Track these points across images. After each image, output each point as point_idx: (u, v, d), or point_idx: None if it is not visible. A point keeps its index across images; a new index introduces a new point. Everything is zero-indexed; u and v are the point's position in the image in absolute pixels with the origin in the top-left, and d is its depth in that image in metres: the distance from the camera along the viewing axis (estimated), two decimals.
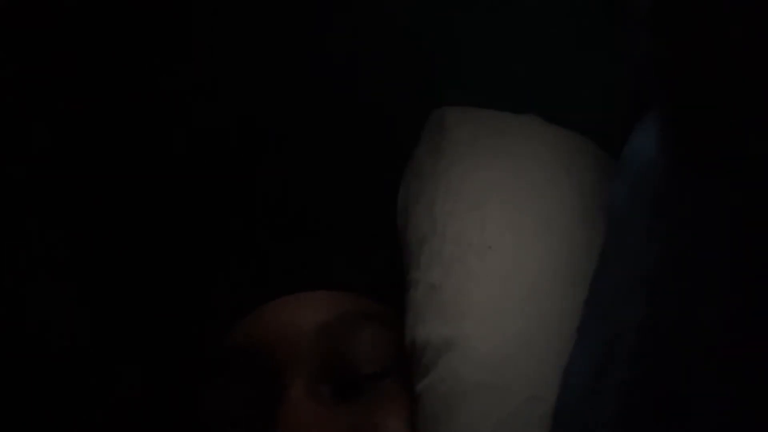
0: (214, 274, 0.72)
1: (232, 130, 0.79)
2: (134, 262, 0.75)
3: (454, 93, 0.77)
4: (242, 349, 0.68)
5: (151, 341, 0.73)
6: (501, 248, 0.67)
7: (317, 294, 0.69)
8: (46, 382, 0.71)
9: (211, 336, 0.70)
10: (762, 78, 0.53)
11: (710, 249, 0.51)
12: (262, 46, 0.78)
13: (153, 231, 0.76)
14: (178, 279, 0.74)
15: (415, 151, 0.75)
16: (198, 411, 0.69)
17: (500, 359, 0.63)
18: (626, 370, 0.52)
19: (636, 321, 0.53)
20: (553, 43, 0.77)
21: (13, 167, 0.73)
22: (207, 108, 0.78)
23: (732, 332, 0.50)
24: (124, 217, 0.76)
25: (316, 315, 0.68)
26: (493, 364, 0.63)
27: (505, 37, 0.77)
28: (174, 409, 0.71)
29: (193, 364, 0.70)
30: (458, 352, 0.64)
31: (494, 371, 0.63)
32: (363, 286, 0.70)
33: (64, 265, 0.74)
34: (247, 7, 0.77)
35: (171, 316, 0.73)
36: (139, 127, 0.77)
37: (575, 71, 0.76)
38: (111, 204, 0.76)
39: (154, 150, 0.77)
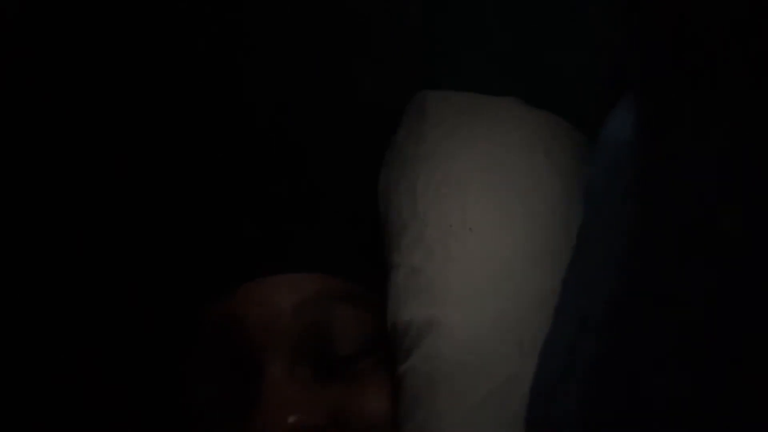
0: (196, 254, 0.72)
1: (216, 116, 0.79)
2: (117, 244, 0.76)
3: (434, 77, 0.78)
4: (221, 329, 0.69)
5: (132, 322, 0.73)
6: (482, 230, 0.68)
7: (296, 275, 0.69)
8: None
9: (192, 316, 0.70)
10: (738, 56, 0.53)
11: (682, 231, 0.52)
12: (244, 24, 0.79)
13: (135, 211, 0.76)
14: (159, 259, 0.74)
15: (395, 136, 0.75)
16: (179, 391, 0.69)
17: (482, 339, 0.64)
18: (595, 344, 0.53)
19: (605, 297, 0.53)
20: (533, 27, 0.77)
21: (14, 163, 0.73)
22: (189, 93, 0.79)
23: (701, 311, 0.51)
24: (107, 199, 0.77)
25: (293, 295, 0.68)
26: (475, 345, 0.64)
27: (484, 21, 0.78)
28: (157, 391, 0.71)
29: (173, 345, 0.70)
30: (440, 333, 0.65)
31: (476, 351, 0.64)
32: (344, 269, 0.70)
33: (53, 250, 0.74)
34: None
35: (152, 296, 0.73)
36: (125, 113, 0.78)
37: (555, 54, 0.77)
38: (98, 189, 0.76)
39: (136, 135, 0.78)
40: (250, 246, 0.71)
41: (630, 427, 0.51)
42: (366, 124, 0.79)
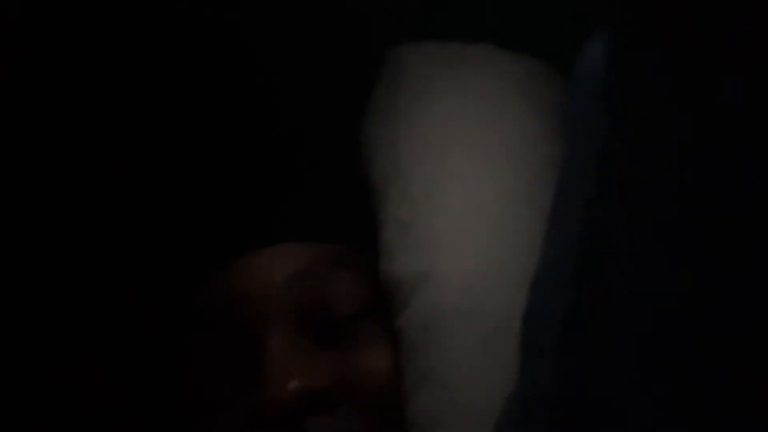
0: (191, 228, 0.72)
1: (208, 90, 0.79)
2: (116, 243, 0.76)
3: (407, 30, 0.77)
4: (220, 304, 0.69)
5: (131, 322, 0.73)
6: (465, 178, 0.68)
7: (290, 246, 0.69)
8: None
9: (189, 292, 0.70)
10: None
11: (646, 165, 0.52)
12: None
13: (133, 209, 0.76)
14: (157, 254, 0.74)
15: (374, 92, 0.75)
16: (183, 367, 0.69)
17: (474, 285, 0.64)
18: (568, 284, 0.54)
19: (575, 232, 0.54)
20: None
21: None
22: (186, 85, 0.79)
23: (667, 256, 0.51)
24: (106, 199, 0.77)
25: (289, 265, 0.68)
26: (468, 290, 0.64)
27: None
28: (157, 390, 0.71)
29: (174, 320, 0.71)
30: (433, 283, 0.65)
31: (470, 297, 0.64)
32: (336, 234, 0.70)
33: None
34: None
35: (150, 294, 0.73)
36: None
37: None
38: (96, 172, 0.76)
39: (135, 130, 0.78)
40: (241, 219, 0.71)
41: (606, 355, 0.51)
42: (348, 84, 0.78)
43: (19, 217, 0.73)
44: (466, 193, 0.67)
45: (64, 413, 0.71)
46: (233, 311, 0.68)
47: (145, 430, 0.71)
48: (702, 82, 0.52)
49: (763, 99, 0.51)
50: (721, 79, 0.52)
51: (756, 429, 0.50)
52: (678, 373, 0.50)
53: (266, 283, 0.68)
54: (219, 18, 0.78)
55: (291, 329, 0.67)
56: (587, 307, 0.52)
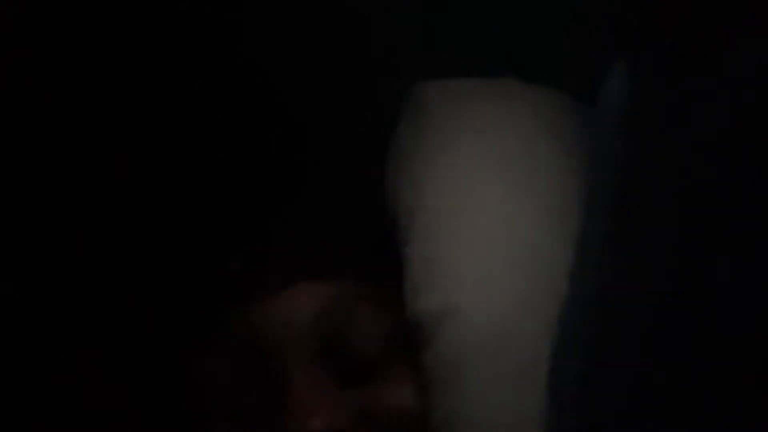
0: (210, 263, 0.72)
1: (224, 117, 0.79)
2: (135, 253, 0.76)
3: (428, 68, 0.77)
4: (244, 339, 0.69)
5: (132, 323, 0.73)
6: (490, 212, 0.67)
7: (311, 284, 0.69)
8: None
9: (210, 327, 0.70)
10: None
11: (663, 195, 0.52)
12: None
13: (152, 221, 0.76)
14: (177, 269, 0.74)
15: (396, 131, 0.75)
16: (204, 402, 0.69)
17: (501, 320, 0.64)
18: (583, 319, 0.53)
19: (594, 261, 0.54)
20: (524, 6, 0.77)
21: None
22: (190, 92, 0.79)
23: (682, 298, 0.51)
24: (122, 207, 0.77)
25: (312, 303, 0.69)
26: (495, 326, 0.64)
27: (473, 5, 0.78)
28: (157, 391, 0.71)
29: (196, 355, 0.70)
30: (459, 318, 0.64)
31: (496, 333, 0.64)
32: (359, 271, 0.70)
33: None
34: None
35: (151, 295, 0.73)
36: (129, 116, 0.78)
37: (546, 29, 0.76)
38: (107, 193, 0.77)
39: (136, 134, 0.78)
40: (267, 256, 0.71)
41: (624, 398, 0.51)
42: (368, 123, 0.78)
43: (19, 217, 0.74)
44: (491, 229, 0.67)
45: (64, 413, 0.71)
46: (256, 348, 0.68)
47: (145, 430, 0.71)
48: (722, 113, 0.52)
49: None
50: (739, 111, 0.52)
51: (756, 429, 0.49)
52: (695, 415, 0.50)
53: (289, 321, 0.68)
54: (227, 35, 0.78)
55: (314, 367, 0.68)
56: (607, 346, 0.52)
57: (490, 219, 0.67)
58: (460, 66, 0.77)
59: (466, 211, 0.68)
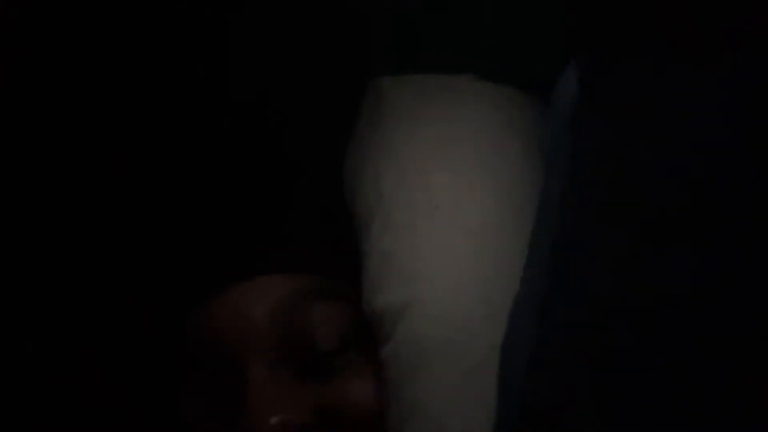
0: (168, 262, 0.72)
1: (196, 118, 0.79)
2: (116, 244, 0.76)
3: (389, 62, 0.78)
4: (204, 336, 0.69)
5: (131, 323, 0.73)
6: (448, 207, 0.68)
7: (271, 277, 0.69)
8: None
9: (180, 318, 0.70)
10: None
11: (616, 207, 0.53)
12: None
13: (134, 211, 0.77)
14: (156, 258, 0.74)
15: (356, 125, 0.75)
16: (172, 403, 0.70)
17: (458, 315, 0.64)
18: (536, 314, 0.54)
19: (545, 257, 0.54)
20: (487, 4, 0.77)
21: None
22: (187, 93, 0.79)
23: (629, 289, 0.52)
24: (106, 199, 0.77)
25: (268, 298, 0.69)
26: (452, 320, 0.64)
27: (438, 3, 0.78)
28: (156, 391, 0.71)
29: (169, 345, 0.71)
30: (416, 313, 0.65)
31: (453, 327, 0.64)
32: (318, 266, 0.71)
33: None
34: None
35: (149, 296, 0.73)
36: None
37: (506, 27, 0.77)
38: (82, 197, 0.77)
39: (135, 134, 0.78)
40: (225, 253, 0.72)
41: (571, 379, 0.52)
42: (332, 115, 0.79)
43: (18, 217, 0.74)
44: (450, 222, 0.67)
45: (64, 413, 0.72)
46: (216, 344, 0.68)
47: (145, 430, 0.71)
48: (671, 112, 0.53)
49: (736, 131, 0.52)
50: (692, 108, 0.52)
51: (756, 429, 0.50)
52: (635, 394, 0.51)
53: (247, 315, 0.68)
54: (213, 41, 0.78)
55: (272, 362, 0.68)
56: (552, 340, 0.52)
57: (448, 214, 0.68)
58: (423, 63, 0.77)
59: (424, 206, 0.68)
